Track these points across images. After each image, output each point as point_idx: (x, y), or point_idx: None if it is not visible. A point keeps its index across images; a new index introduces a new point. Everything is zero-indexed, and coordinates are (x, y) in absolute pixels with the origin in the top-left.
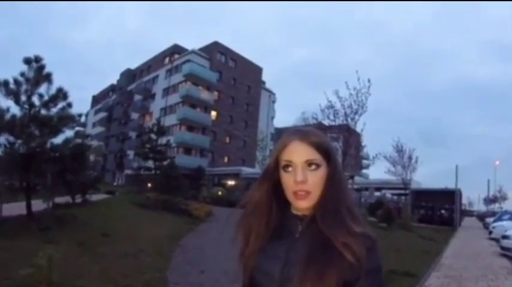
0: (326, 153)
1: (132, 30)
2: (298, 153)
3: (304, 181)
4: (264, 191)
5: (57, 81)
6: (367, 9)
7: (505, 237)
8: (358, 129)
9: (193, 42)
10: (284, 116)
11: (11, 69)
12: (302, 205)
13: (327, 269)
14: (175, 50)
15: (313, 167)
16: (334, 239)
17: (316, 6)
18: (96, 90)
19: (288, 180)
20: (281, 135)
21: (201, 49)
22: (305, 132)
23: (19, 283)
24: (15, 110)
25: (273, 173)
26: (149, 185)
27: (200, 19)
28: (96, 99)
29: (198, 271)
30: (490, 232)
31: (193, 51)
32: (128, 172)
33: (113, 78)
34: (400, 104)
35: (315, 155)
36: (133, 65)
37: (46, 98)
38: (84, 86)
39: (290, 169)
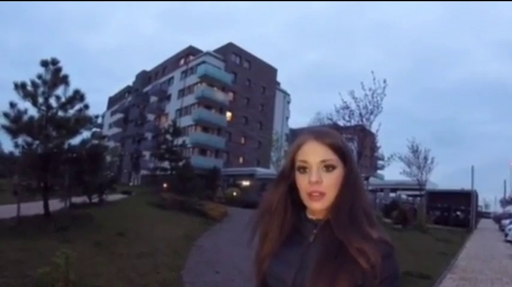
0: (342, 154)
1: (147, 34)
2: (314, 153)
3: (319, 181)
4: (279, 193)
5: (74, 85)
6: (378, 10)
7: None
8: (373, 129)
9: (207, 45)
10: (299, 117)
11: (29, 75)
12: (316, 207)
13: (339, 276)
14: (190, 51)
15: (329, 168)
16: (348, 245)
17: (327, 8)
18: (112, 93)
19: (303, 181)
20: (296, 136)
21: (216, 51)
22: (321, 132)
23: (37, 282)
24: (32, 111)
25: (288, 174)
26: (165, 185)
27: (214, 24)
28: (112, 101)
29: (213, 270)
30: (506, 235)
31: (208, 53)
32: (144, 172)
33: (129, 81)
34: (414, 105)
35: (330, 156)
36: (149, 68)
37: (63, 99)
38: (100, 89)
39: (305, 169)
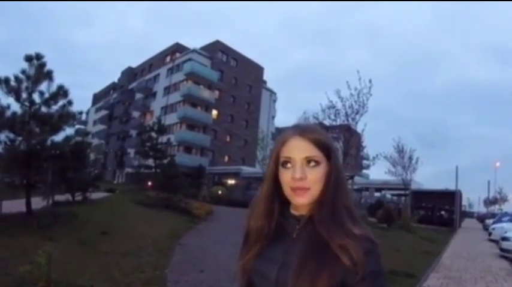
0: (326, 150)
1: (135, 30)
2: (298, 149)
3: (303, 178)
4: (266, 191)
5: (59, 81)
6: (367, 12)
7: (504, 239)
8: (358, 129)
9: (195, 42)
10: (285, 116)
11: (16, 70)
12: (300, 201)
13: (320, 273)
14: (177, 48)
15: (313, 163)
16: (330, 241)
17: (316, 9)
18: (98, 90)
19: (286, 176)
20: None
21: (203, 48)
22: (305, 128)
23: (18, 280)
24: (15, 107)
25: (274, 171)
26: (149, 183)
27: (202, 22)
28: (97, 97)
29: (198, 269)
30: (490, 234)
31: (194, 50)
32: (128, 170)
33: (115, 78)
34: (401, 107)
35: (315, 152)
36: (135, 65)
37: (47, 95)
38: (87, 85)
39: (289, 165)
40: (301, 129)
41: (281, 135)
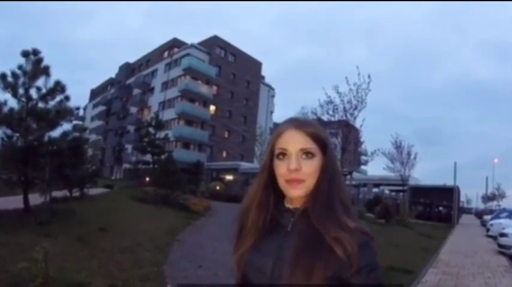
0: (322, 143)
1: (134, 28)
2: (294, 141)
3: (298, 169)
4: (261, 184)
5: (56, 77)
6: (366, 9)
7: (502, 235)
8: (357, 125)
9: (193, 38)
10: (283, 112)
11: (13, 67)
12: (295, 194)
13: (316, 265)
14: (175, 44)
15: (308, 156)
16: (325, 233)
17: (315, 6)
18: (97, 85)
19: (281, 168)
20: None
21: (201, 43)
22: (301, 121)
23: (16, 277)
24: (12, 103)
25: (269, 164)
26: (147, 179)
27: (200, 19)
28: (94, 93)
29: (196, 265)
30: (488, 230)
31: (192, 46)
32: (126, 166)
33: (113, 74)
34: (400, 103)
35: (310, 145)
36: (133, 61)
37: (44, 91)
38: (85, 82)
39: (284, 157)
40: (297, 122)
41: (277, 128)
